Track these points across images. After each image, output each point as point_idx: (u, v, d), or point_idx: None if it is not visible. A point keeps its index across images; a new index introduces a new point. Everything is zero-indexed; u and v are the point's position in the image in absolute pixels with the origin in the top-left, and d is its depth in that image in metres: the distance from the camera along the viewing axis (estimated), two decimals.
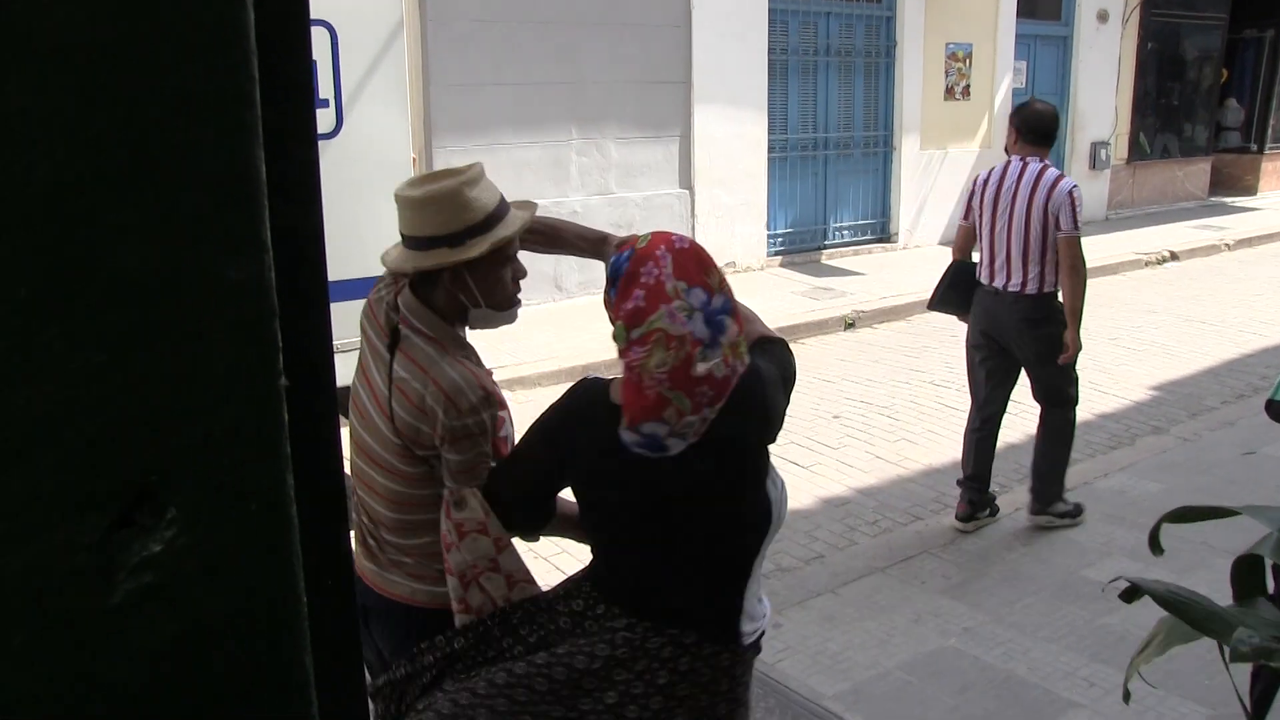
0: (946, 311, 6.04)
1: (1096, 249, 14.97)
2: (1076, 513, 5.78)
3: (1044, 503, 5.73)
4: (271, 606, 0.71)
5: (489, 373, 2.57)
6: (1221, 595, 2.24)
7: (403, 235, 2.55)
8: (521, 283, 2.69)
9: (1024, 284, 5.41)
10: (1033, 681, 4.19)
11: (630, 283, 2.17)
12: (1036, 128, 5.48)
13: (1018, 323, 5.45)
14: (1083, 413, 7.89)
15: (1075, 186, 5.37)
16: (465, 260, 2.46)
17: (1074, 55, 17.01)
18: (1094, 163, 17.34)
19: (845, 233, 14.46)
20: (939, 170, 15.22)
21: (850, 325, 10.42)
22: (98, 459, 0.64)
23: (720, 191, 12.56)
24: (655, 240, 2.24)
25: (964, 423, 5.89)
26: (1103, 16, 17.08)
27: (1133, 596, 2.17)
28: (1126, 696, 2.15)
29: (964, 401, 6.07)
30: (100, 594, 0.65)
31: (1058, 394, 5.61)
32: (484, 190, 2.53)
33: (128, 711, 0.67)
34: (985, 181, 5.67)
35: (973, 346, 5.77)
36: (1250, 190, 20.35)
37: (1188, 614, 1.92)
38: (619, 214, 11.69)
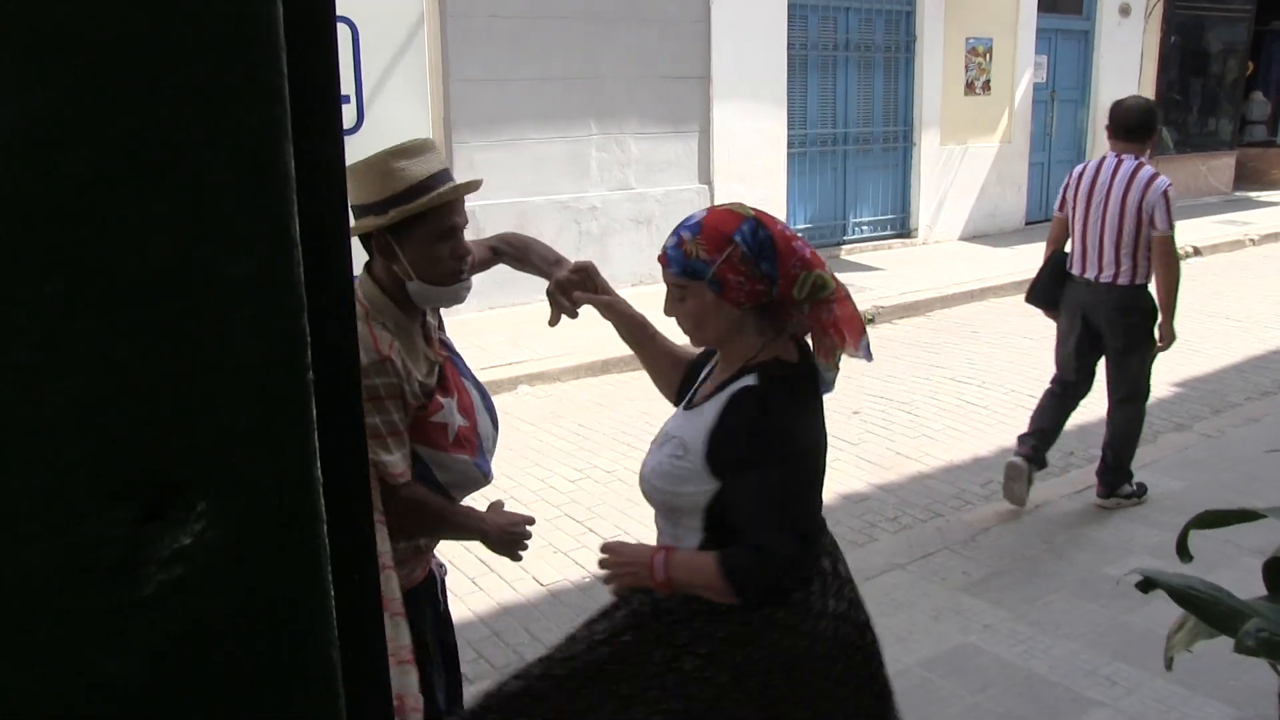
0: (1040, 306, 6.17)
1: None
2: (1141, 492, 5.96)
3: (1110, 488, 5.93)
4: (299, 600, 0.71)
5: (392, 345, 2.51)
6: (1246, 593, 2.23)
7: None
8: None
9: (1116, 276, 5.61)
10: (1054, 679, 4.17)
11: (788, 244, 2.30)
12: (1122, 123, 5.77)
13: (1109, 312, 5.66)
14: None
15: (1169, 186, 5.57)
16: (383, 227, 2.50)
17: (1095, 49, 16.92)
18: None
19: (865, 228, 14.43)
20: (959, 165, 15.17)
21: (870, 321, 10.38)
22: (127, 452, 0.64)
23: (739, 187, 12.54)
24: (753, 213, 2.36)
25: (984, 419, 5.89)
26: (1125, 10, 16.98)
27: (1148, 588, 2.16)
28: (1169, 664, 2.13)
29: (984, 398, 6.07)
30: (130, 587, 0.65)
31: (1133, 386, 5.84)
32: (418, 163, 2.55)
33: (155, 703, 0.68)
34: (1080, 175, 5.88)
35: (1065, 331, 5.95)
36: (1276, 184, 20.20)
37: (1203, 609, 1.91)
38: (638, 209, 11.70)
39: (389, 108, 5.44)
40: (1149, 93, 17.81)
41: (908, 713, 4.01)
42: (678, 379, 2.72)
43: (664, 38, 11.67)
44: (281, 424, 0.68)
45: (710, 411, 2.33)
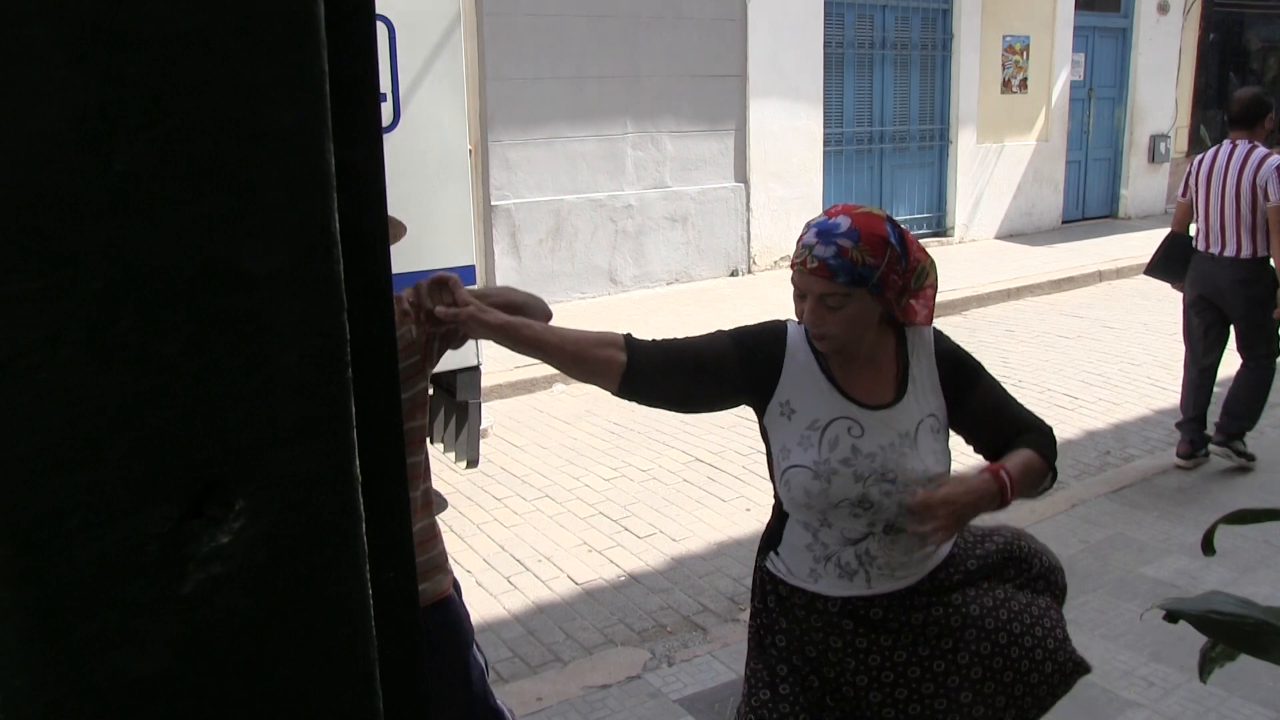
0: (1160, 278, 6.82)
1: (1155, 243, 14.71)
2: (1251, 459, 6.42)
3: (1229, 435, 6.42)
4: (337, 597, 0.71)
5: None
6: None
7: None
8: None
9: (1238, 250, 6.18)
10: (1091, 679, 4.14)
11: (912, 239, 2.49)
12: (1236, 113, 6.40)
13: (1231, 283, 6.22)
14: (1141, 408, 7.80)
15: None
16: None
17: (1133, 47, 16.76)
18: (1153, 156, 17.08)
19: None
20: (995, 164, 15.07)
21: None
22: (168, 450, 0.65)
23: (776, 185, 12.52)
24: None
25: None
26: (1163, 8, 16.81)
27: (1175, 619, 2.14)
28: (1204, 678, 2.12)
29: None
30: (170, 584, 0.65)
31: (1262, 346, 6.30)
32: None
33: (197, 699, 0.68)
34: (1201, 162, 6.53)
35: (1190, 308, 6.53)
36: None
37: (1229, 634, 1.88)
38: (674, 207, 11.69)
39: (426, 106, 5.45)
40: (1186, 90, 17.64)
41: None
42: (608, 368, 2.45)
43: (700, 36, 11.66)
44: (320, 422, 0.69)
45: (923, 377, 2.51)
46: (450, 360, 5.75)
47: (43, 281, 0.59)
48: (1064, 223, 15.90)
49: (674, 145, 11.64)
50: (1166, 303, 11.08)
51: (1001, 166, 15.14)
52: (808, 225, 2.42)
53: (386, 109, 5.31)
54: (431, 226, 5.48)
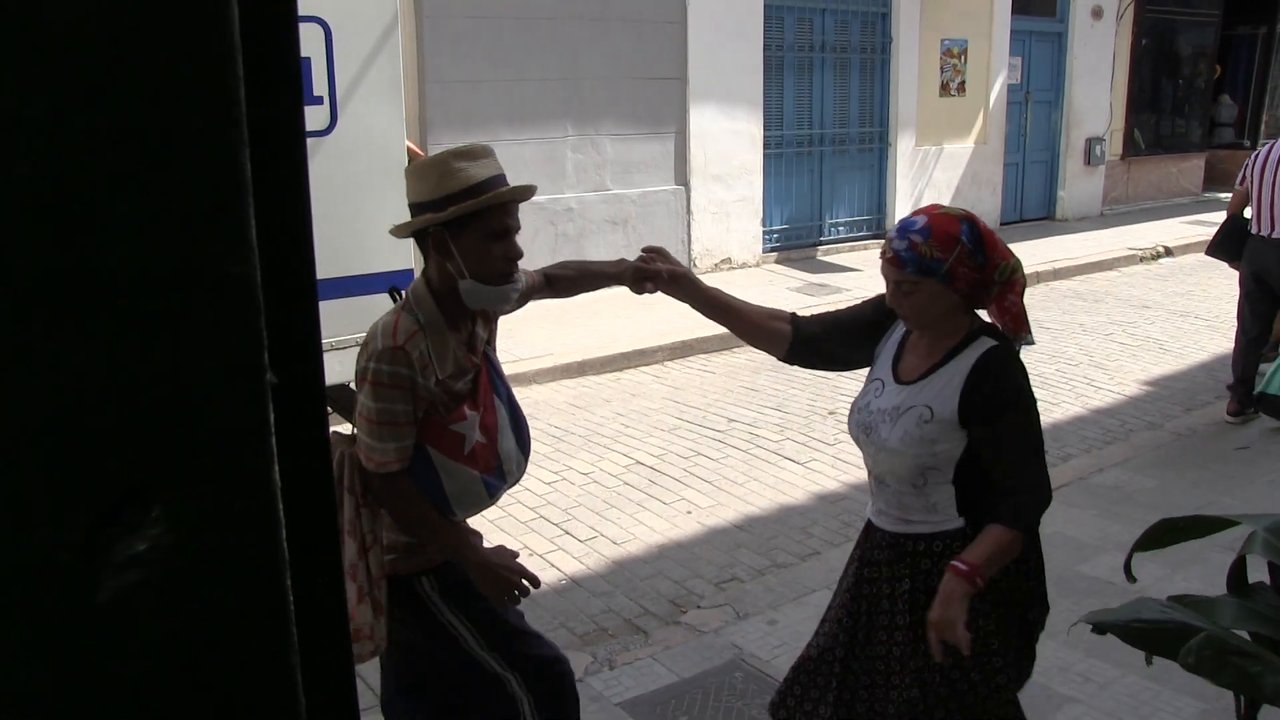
0: (1219, 257, 7.71)
1: (1091, 244, 15.02)
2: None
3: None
4: (258, 605, 0.70)
5: (412, 336, 2.63)
6: (1215, 588, 2.24)
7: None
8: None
9: None
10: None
11: (993, 238, 2.73)
12: None
13: None
14: (1077, 408, 7.92)
15: None
16: (441, 222, 2.62)
17: (1069, 51, 17.03)
18: (1089, 159, 17.36)
19: (841, 229, 14.47)
20: (934, 166, 15.23)
21: None
22: (83, 457, 0.64)
23: (716, 188, 12.57)
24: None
25: None
26: (1097, 13, 17.09)
27: (1102, 632, 2.22)
28: (1150, 659, 2.17)
29: None
30: (85, 593, 0.64)
31: None
32: (477, 166, 2.65)
33: (113, 711, 0.67)
34: (1258, 155, 7.38)
35: (1244, 288, 7.46)
36: None
37: (1151, 642, 1.92)
38: (615, 210, 11.69)
39: (363, 108, 5.41)
40: (1120, 94, 17.95)
41: None
42: (778, 337, 3.05)
43: (640, 39, 11.68)
44: (240, 428, 0.68)
45: (951, 376, 2.72)
46: None
47: None
48: (1002, 224, 16.10)
49: (614, 148, 11.65)
50: (1103, 304, 11.28)
51: (940, 169, 15.30)
52: (899, 221, 2.78)
53: (323, 111, 5.26)
54: (369, 229, 5.43)
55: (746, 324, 3.08)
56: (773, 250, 13.50)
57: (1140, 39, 18.14)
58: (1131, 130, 18.43)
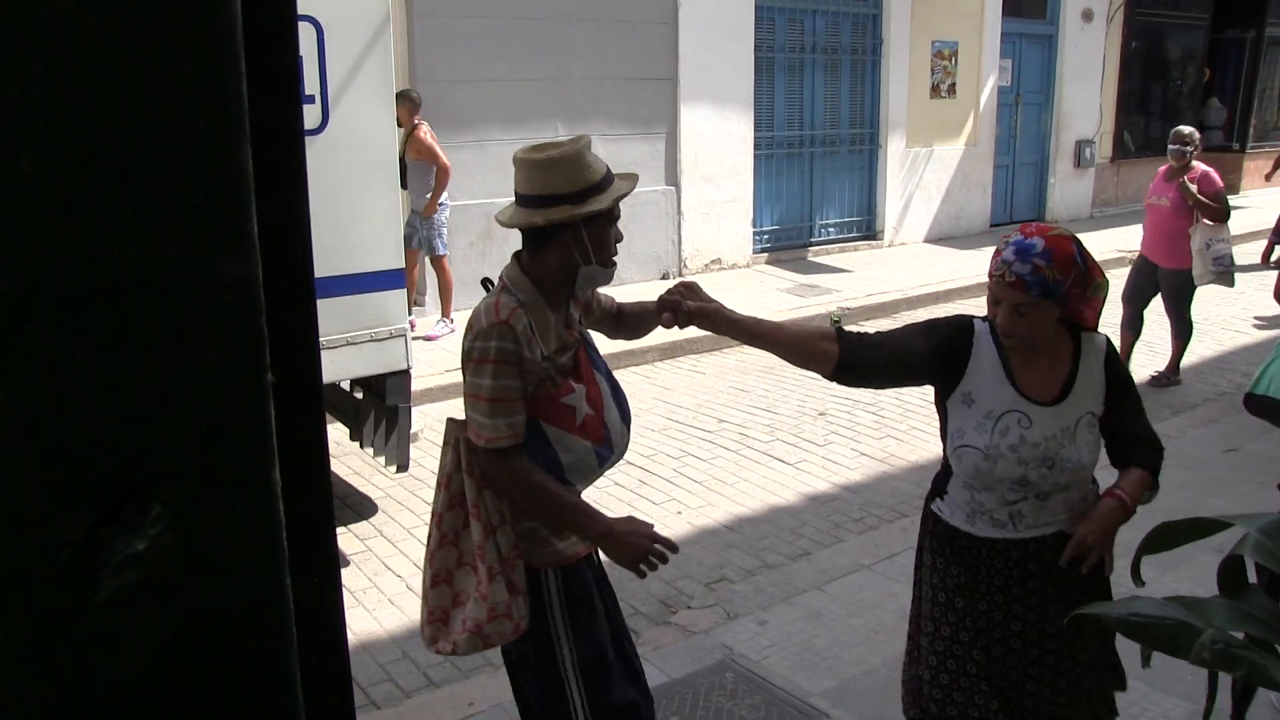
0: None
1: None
2: None
3: None
4: (257, 604, 0.70)
5: (514, 311, 2.70)
6: (1205, 589, 2.25)
7: (522, 196, 2.79)
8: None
9: None
10: None
11: (1093, 261, 2.87)
12: None
13: None
14: None
15: None
16: (588, 214, 2.72)
17: (1059, 54, 17.05)
18: (1078, 161, 17.39)
19: (831, 230, 14.48)
20: (925, 168, 15.25)
21: (836, 322, 10.40)
22: (82, 456, 0.64)
23: (707, 188, 12.56)
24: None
25: None
26: (1087, 15, 17.12)
27: (1097, 624, 2.21)
28: (1146, 661, 2.17)
29: None
30: (85, 592, 0.64)
31: None
32: (599, 160, 2.80)
33: (112, 709, 0.67)
34: None
35: None
36: (1233, 189, 20.37)
37: (1151, 636, 1.92)
38: None
39: (354, 108, 5.40)
40: (1110, 97, 17.98)
41: (875, 712, 4.04)
42: (825, 358, 2.95)
43: (631, 40, 11.67)
44: (240, 426, 0.68)
45: (1092, 378, 2.91)
46: (379, 364, 5.71)
47: None
48: (992, 226, 16.12)
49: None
50: None
51: (930, 170, 15.32)
52: (1006, 242, 2.81)
53: (315, 111, 5.25)
54: (360, 229, 5.42)
55: (791, 346, 3.00)
56: (763, 251, 13.50)
57: (1130, 41, 18.18)
58: (1121, 133, 18.47)
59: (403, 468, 6.12)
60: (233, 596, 0.69)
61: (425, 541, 2.91)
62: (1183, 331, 8.56)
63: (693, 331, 9.31)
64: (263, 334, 0.68)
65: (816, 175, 14.17)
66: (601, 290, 3.15)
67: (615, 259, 2.88)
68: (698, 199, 12.48)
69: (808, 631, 4.65)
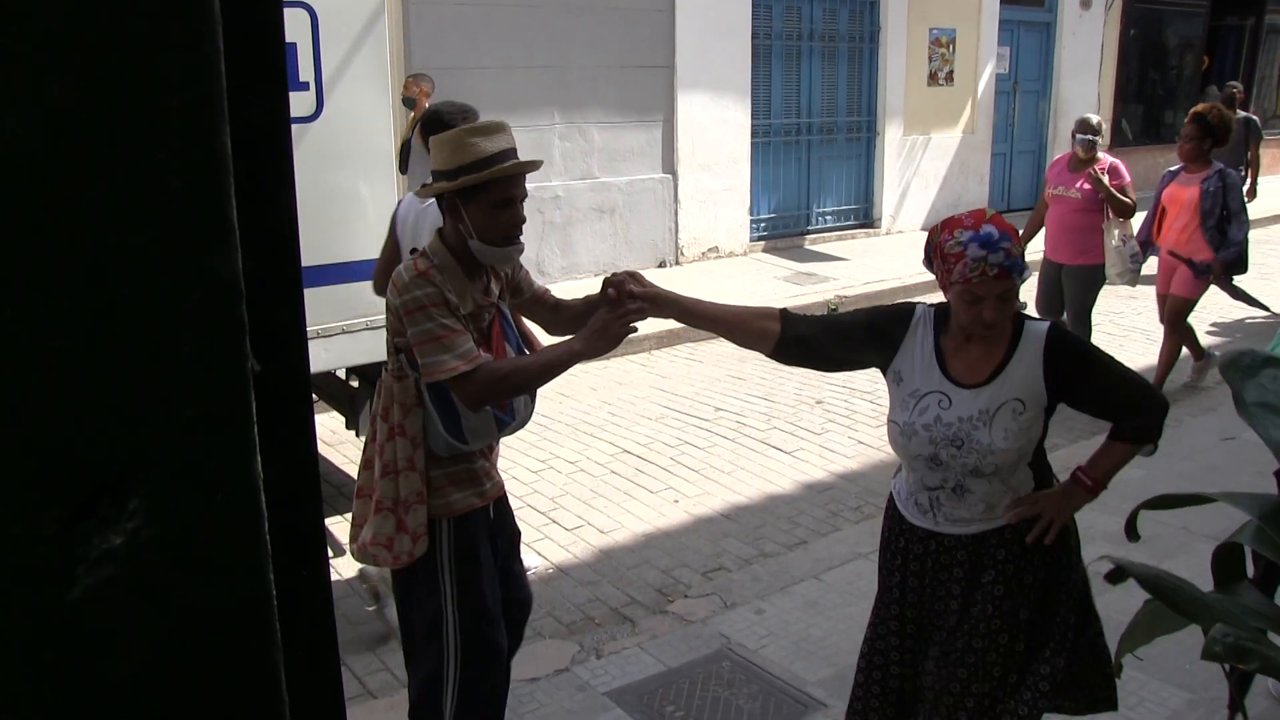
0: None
1: None
2: None
3: None
4: (239, 600, 0.69)
5: (430, 269, 2.97)
6: (1202, 580, 2.24)
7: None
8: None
9: None
10: None
11: None
12: None
13: None
14: None
15: None
16: (450, 190, 2.97)
17: (1057, 41, 17.01)
18: None
19: (828, 218, 14.45)
20: (922, 156, 15.22)
21: (833, 310, 10.39)
22: (56, 448, 0.62)
23: (704, 176, 12.53)
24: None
25: None
26: (1085, 3, 17.08)
27: (1118, 579, 2.19)
28: (1118, 671, 2.18)
29: None
30: (59, 588, 0.62)
31: None
32: (488, 141, 2.99)
33: (90, 709, 0.65)
34: None
35: None
36: None
37: (1172, 598, 1.91)
38: (602, 198, 11.66)
39: (349, 95, 5.37)
40: (1109, 85, 17.94)
41: None
42: (767, 335, 3.04)
43: (628, 27, 11.63)
44: (220, 418, 0.66)
45: (1028, 365, 2.84)
46: (375, 352, 5.68)
47: None
48: None
49: (601, 136, 11.60)
50: None
51: (928, 158, 15.29)
52: (961, 243, 2.75)
53: (309, 98, 5.22)
54: (355, 217, 5.40)
55: (734, 325, 3.10)
56: (760, 239, 13.48)
57: (1128, 30, 18.15)
58: (1119, 121, 18.45)
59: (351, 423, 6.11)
60: (214, 592, 0.67)
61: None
62: (1085, 334, 7.73)
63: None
64: (243, 321, 0.66)
65: (814, 163, 14.14)
66: (539, 282, 3.50)
67: (513, 243, 3.06)
68: (695, 187, 12.45)
69: (805, 620, 4.64)
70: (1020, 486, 2.94)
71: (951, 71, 15.42)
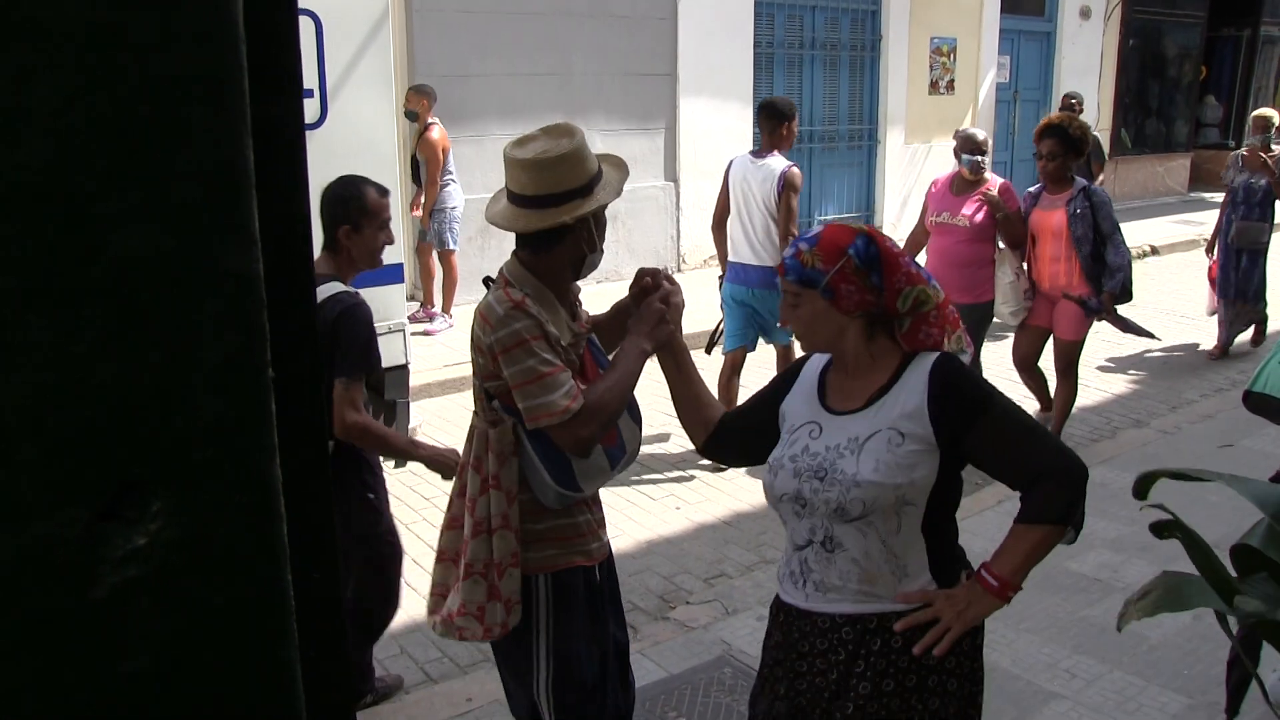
0: None
1: None
2: None
3: None
4: (258, 600, 0.70)
5: (524, 298, 2.67)
6: None
7: (529, 197, 2.70)
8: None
9: None
10: (1015, 672, 4.21)
11: (895, 260, 2.46)
12: None
13: None
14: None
15: None
16: (600, 206, 2.72)
17: (1057, 51, 17.06)
18: None
19: None
20: (923, 164, 15.25)
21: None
22: (82, 450, 0.63)
23: (706, 184, 12.54)
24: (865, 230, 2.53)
25: None
26: (1085, 13, 17.13)
27: (1163, 533, 2.14)
28: (1122, 625, 2.13)
29: None
30: (83, 588, 0.64)
31: None
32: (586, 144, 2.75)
33: (112, 706, 0.67)
34: None
35: None
36: None
37: (1206, 564, 1.93)
38: None
39: (353, 102, 5.39)
40: (1108, 94, 17.97)
41: None
42: (706, 423, 2.82)
43: (631, 35, 11.66)
44: (240, 421, 0.68)
45: (909, 393, 2.42)
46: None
47: None
48: None
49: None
50: None
51: (929, 166, 15.31)
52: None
53: (313, 105, 5.25)
54: None
55: (690, 397, 2.86)
56: None
57: (1127, 39, 18.20)
58: (1119, 130, 18.48)
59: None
60: (234, 592, 0.69)
61: (437, 527, 2.94)
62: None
63: (691, 326, 9.27)
64: (264, 328, 0.68)
65: (815, 171, 14.17)
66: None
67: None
68: (697, 194, 12.47)
69: None
70: (906, 554, 2.41)
71: (952, 80, 15.46)
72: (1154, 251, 14.43)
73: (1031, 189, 6.75)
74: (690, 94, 12.20)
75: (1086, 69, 17.43)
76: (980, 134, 6.76)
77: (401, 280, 5.73)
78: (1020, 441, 2.40)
